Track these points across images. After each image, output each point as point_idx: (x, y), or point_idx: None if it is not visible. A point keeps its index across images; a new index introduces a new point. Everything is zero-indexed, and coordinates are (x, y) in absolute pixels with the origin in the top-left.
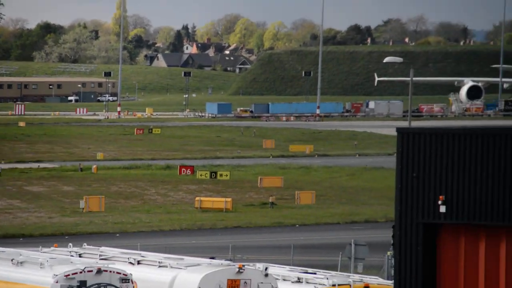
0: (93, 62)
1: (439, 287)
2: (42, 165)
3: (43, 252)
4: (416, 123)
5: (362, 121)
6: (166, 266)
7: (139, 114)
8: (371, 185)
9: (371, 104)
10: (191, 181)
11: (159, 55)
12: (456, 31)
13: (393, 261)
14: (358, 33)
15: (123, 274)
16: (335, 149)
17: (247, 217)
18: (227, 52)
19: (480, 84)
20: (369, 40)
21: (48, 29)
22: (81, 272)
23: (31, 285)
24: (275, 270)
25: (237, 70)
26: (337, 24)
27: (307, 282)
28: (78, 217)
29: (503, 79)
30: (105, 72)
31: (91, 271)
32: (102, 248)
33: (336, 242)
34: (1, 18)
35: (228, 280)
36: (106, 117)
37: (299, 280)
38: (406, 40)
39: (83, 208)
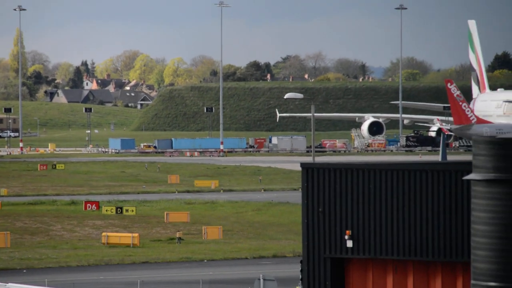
0: None
1: None
2: None
3: None
4: (319, 159)
5: (266, 157)
6: None
7: (42, 150)
8: (277, 220)
9: (274, 140)
10: (97, 216)
11: (59, 91)
12: (354, 68)
13: None
14: (258, 70)
15: None
16: (240, 184)
17: (155, 252)
18: (127, 88)
19: (381, 120)
20: (268, 76)
21: None
22: None
23: None
24: None
25: (139, 106)
26: (236, 61)
27: None
28: None
29: (403, 115)
30: (5, 108)
31: None
32: (9, 285)
33: (245, 277)
34: None
35: None
36: (9, 153)
37: None
38: (306, 76)
39: None
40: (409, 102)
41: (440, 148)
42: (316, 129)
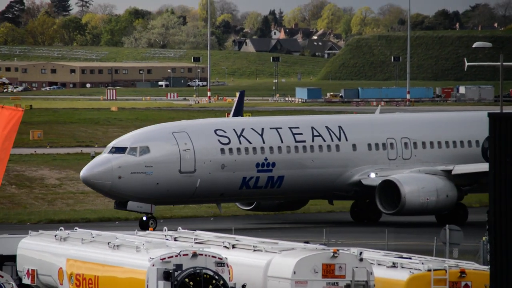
0: (181, 47)
1: None
2: None
3: (139, 236)
4: (508, 108)
5: (453, 106)
6: (261, 250)
7: (229, 99)
8: None
9: (462, 89)
10: None
11: (247, 41)
12: None
13: (488, 247)
14: (446, 18)
15: (219, 258)
16: None
17: (342, 202)
18: (315, 37)
19: None
20: (457, 25)
21: (136, 15)
22: (176, 256)
23: (127, 268)
24: (369, 254)
25: (326, 55)
26: (425, 9)
27: (402, 267)
28: None
29: None
30: (194, 57)
31: (187, 254)
32: (197, 232)
33: (431, 227)
34: (90, 4)
35: (323, 264)
36: (197, 101)
37: (394, 265)
38: (495, 25)
39: None
40: None
41: (234, 106)
42: (505, 79)
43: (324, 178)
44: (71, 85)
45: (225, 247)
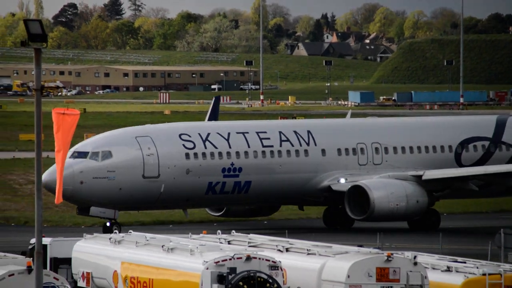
0: (234, 51)
1: None
2: None
3: (193, 239)
4: None
5: (508, 110)
6: (314, 254)
7: (282, 103)
8: None
9: None
10: None
11: (300, 44)
12: None
13: None
14: (499, 22)
15: (272, 262)
16: None
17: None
18: (367, 41)
19: None
20: (510, 29)
21: (188, 19)
22: (230, 259)
23: (181, 271)
24: (424, 258)
25: (378, 59)
26: (477, 13)
27: (457, 271)
28: None
29: None
30: (246, 61)
31: (241, 258)
32: (251, 236)
33: (485, 232)
34: (143, 8)
35: (377, 268)
36: (250, 105)
37: (448, 269)
38: None
39: None
40: None
41: (209, 110)
42: None
43: (292, 184)
44: (124, 89)
45: (279, 250)
